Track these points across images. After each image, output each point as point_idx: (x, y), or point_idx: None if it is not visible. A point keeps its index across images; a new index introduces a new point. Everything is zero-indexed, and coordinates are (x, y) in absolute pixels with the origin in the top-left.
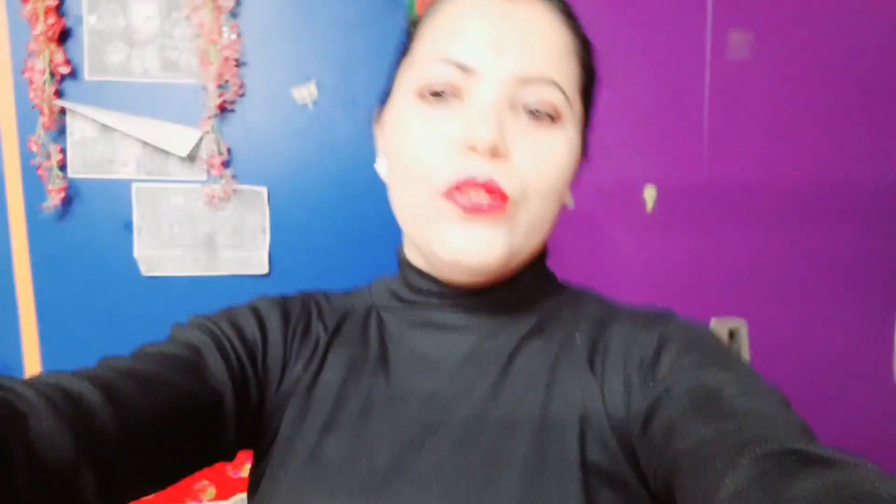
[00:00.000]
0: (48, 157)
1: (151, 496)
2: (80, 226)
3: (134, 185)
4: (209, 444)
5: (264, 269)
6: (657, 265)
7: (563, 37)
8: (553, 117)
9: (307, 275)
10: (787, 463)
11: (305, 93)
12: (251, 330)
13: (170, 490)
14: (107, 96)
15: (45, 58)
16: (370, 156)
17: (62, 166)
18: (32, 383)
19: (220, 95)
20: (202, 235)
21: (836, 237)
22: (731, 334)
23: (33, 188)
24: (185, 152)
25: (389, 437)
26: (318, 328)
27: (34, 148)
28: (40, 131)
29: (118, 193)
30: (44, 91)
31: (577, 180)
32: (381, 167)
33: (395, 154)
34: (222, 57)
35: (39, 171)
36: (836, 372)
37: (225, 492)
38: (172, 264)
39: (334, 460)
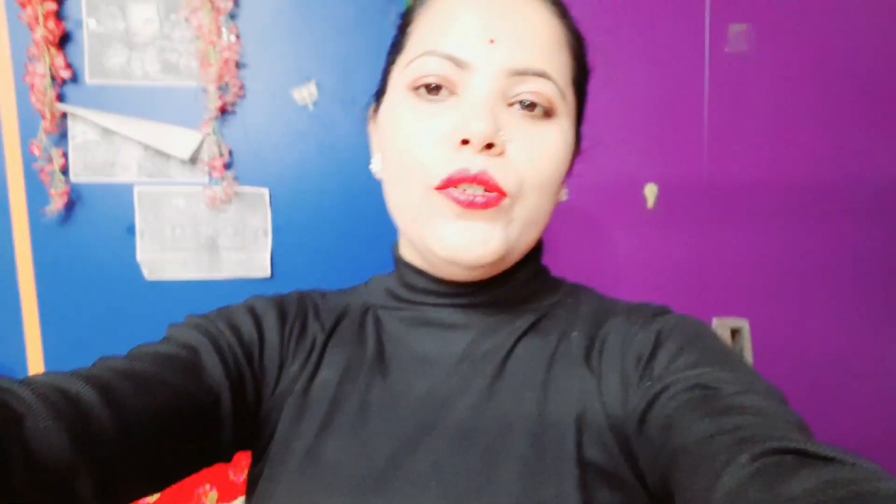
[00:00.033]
0: (50, 160)
1: (153, 500)
2: (83, 229)
3: (136, 188)
4: (207, 444)
5: (266, 272)
6: (658, 264)
7: (554, 29)
8: (547, 111)
9: (309, 276)
10: (785, 461)
11: (305, 93)
12: (248, 329)
13: (172, 493)
14: (108, 100)
15: (45, 62)
16: (371, 156)
17: (64, 170)
18: (29, 384)
19: (220, 97)
20: (204, 238)
21: (838, 235)
22: (734, 333)
23: (36, 192)
24: (186, 155)
25: (387, 436)
26: (314, 327)
27: (36, 152)
28: (42, 135)
29: (120, 197)
30: (45, 95)
31: (570, 174)
32: (376, 165)
33: (388, 150)
34: (222, 59)
35: (42, 175)
36: (838, 371)
37: (227, 495)
38: (175, 268)
39: (332, 460)
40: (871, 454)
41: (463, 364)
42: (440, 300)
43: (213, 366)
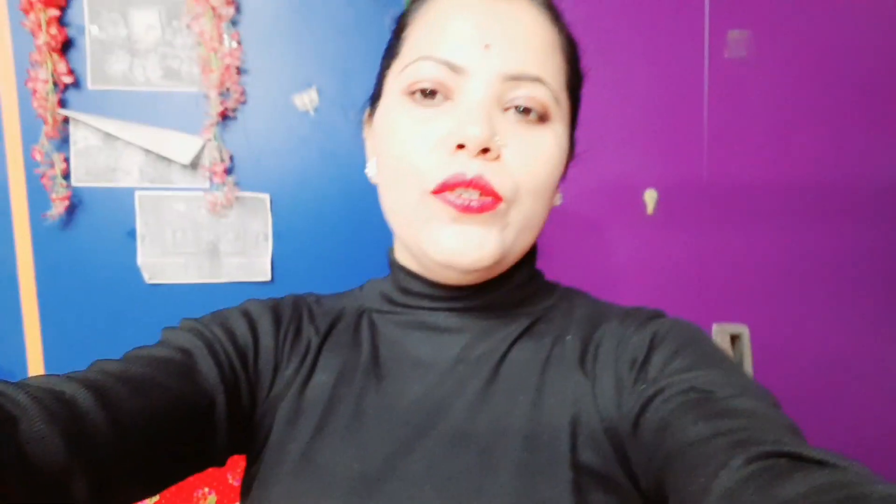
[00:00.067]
0: (52, 165)
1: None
2: (84, 234)
3: (137, 193)
4: (201, 447)
5: (267, 276)
6: (658, 267)
7: (549, 34)
8: (542, 115)
9: (309, 281)
10: (778, 464)
11: (306, 99)
12: (242, 333)
13: (171, 497)
14: (109, 105)
15: (48, 68)
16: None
17: (66, 175)
18: (24, 387)
19: (221, 103)
20: (205, 243)
21: (838, 237)
22: (734, 339)
23: (37, 197)
24: (187, 160)
25: (382, 439)
26: (309, 331)
27: (38, 157)
28: (44, 140)
29: (121, 201)
30: (47, 101)
31: (564, 178)
32: (371, 169)
33: (384, 154)
34: (223, 65)
35: (43, 180)
36: (839, 373)
37: (226, 499)
38: (175, 271)
39: (326, 462)
40: (873, 457)
41: (458, 367)
42: (435, 304)
43: (207, 369)
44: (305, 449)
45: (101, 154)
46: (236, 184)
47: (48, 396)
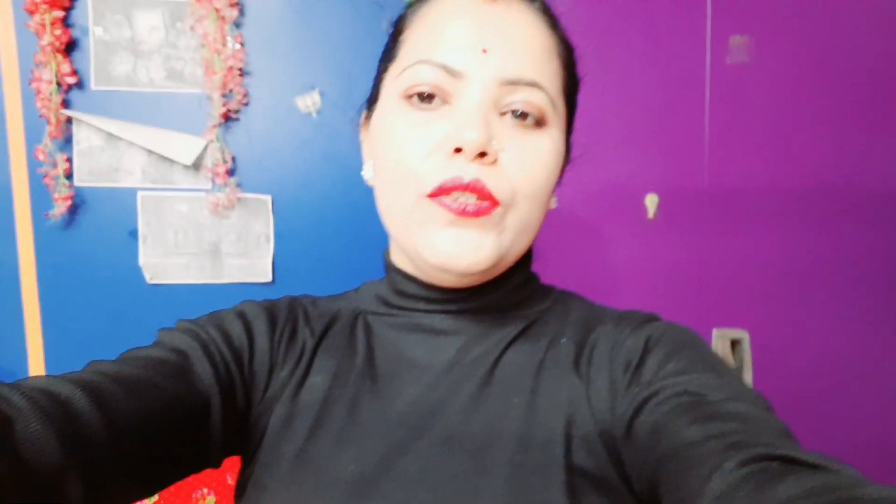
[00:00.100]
0: (55, 165)
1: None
2: (86, 233)
3: (139, 194)
4: (196, 448)
5: (268, 277)
6: (658, 271)
7: (546, 40)
8: (538, 120)
9: (311, 282)
10: (771, 467)
11: (309, 102)
12: (238, 334)
13: (170, 498)
14: (112, 106)
15: (51, 68)
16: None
17: (68, 175)
18: (19, 387)
19: (224, 104)
20: (207, 243)
21: (839, 242)
22: (734, 345)
23: (40, 196)
24: (189, 160)
25: (376, 441)
26: (304, 333)
27: (41, 157)
28: (47, 140)
29: (124, 201)
30: (51, 101)
31: (560, 182)
32: (368, 172)
33: (381, 157)
34: (226, 66)
35: (46, 180)
36: (841, 378)
37: (225, 500)
38: (177, 272)
39: (321, 464)
40: (874, 460)
41: (453, 370)
42: (430, 306)
43: (203, 370)
44: (300, 451)
45: (104, 154)
46: (238, 185)
47: (43, 397)
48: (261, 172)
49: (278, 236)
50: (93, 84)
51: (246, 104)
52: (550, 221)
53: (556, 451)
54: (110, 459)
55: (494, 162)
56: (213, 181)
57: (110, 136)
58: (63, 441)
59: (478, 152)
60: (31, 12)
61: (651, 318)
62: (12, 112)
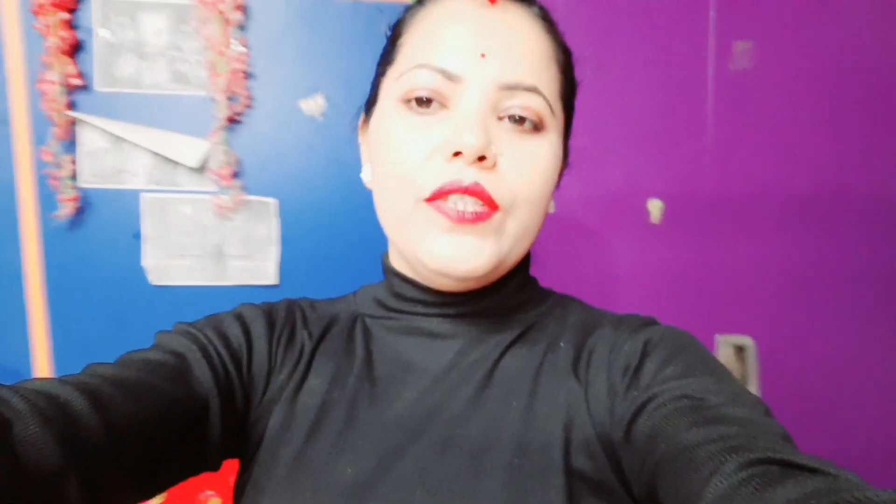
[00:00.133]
0: (60, 167)
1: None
2: (91, 235)
3: (143, 195)
4: (194, 451)
5: (272, 280)
6: (661, 276)
7: (544, 44)
8: (536, 125)
9: (316, 285)
10: (770, 471)
11: (313, 105)
12: (236, 337)
13: (175, 500)
14: (117, 108)
15: (57, 70)
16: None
17: (73, 176)
18: (18, 390)
19: (228, 107)
20: (210, 245)
21: (844, 247)
22: (739, 351)
23: (45, 197)
24: (194, 163)
25: (374, 444)
26: (303, 335)
27: (47, 158)
28: (53, 142)
29: (128, 203)
30: (56, 102)
31: (558, 187)
32: (366, 175)
33: (379, 161)
34: (231, 69)
35: (51, 181)
36: (846, 384)
37: (230, 501)
38: (180, 274)
39: (318, 466)
40: (881, 466)
41: (451, 373)
42: (429, 309)
43: (201, 373)
44: (298, 454)
45: (109, 156)
46: (243, 188)
47: (42, 400)
48: (265, 175)
49: (283, 239)
50: (98, 86)
51: (250, 107)
52: (554, 226)
53: (555, 455)
54: (108, 462)
55: (493, 166)
56: (217, 183)
57: (115, 137)
58: (62, 443)
59: (477, 156)
60: (38, 14)
61: (649, 322)
62: (19, 113)
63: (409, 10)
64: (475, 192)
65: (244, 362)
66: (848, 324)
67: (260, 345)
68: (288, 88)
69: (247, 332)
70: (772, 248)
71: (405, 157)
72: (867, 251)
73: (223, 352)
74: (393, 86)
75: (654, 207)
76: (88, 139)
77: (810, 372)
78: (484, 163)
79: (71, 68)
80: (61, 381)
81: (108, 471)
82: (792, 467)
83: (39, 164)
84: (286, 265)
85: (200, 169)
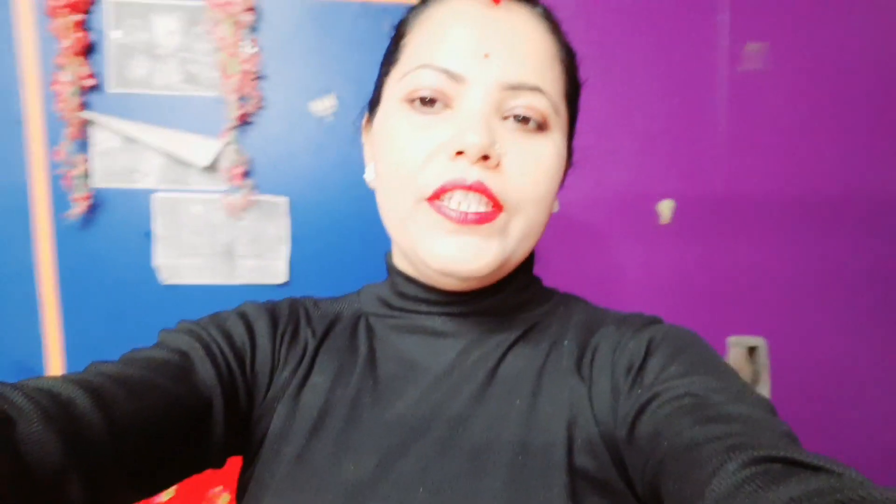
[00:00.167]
0: (73, 166)
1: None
2: (103, 234)
3: (155, 195)
4: (198, 449)
5: (282, 279)
6: (670, 278)
7: (547, 44)
8: (540, 125)
9: (326, 284)
10: (773, 469)
11: (324, 106)
12: (239, 335)
13: (184, 495)
14: (129, 108)
15: (71, 71)
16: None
17: (86, 176)
18: (21, 387)
19: (240, 108)
20: (221, 245)
21: (856, 249)
22: (751, 352)
23: (58, 197)
24: (205, 162)
25: (376, 442)
26: (306, 333)
27: (59, 158)
28: (66, 142)
29: (140, 203)
30: (70, 103)
31: (563, 186)
32: (370, 174)
33: (382, 161)
34: (242, 70)
35: (64, 181)
36: (858, 385)
37: None
38: (192, 273)
39: (321, 464)
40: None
41: (453, 372)
42: (432, 308)
43: (204, 371)
44: (300, 451)
45: (122, 156)
46: (254, 187)
47: (45, 398)
48: (276, 175)
49: (293, 238)
50: (111, 87)
51: (261, 108)
52: (563, 227)
53: (558, 454)
54: (111, 460)
55: (497, 166)
56: (228, 183)
57: (127, 138)
58: (64, 442)
59: (480, 155)
60: (52, 16)
61: (653, 321)
62: (33, 114)
63: (412, 11)
64: (479, 189)
65: (247, 360)
66: (861, 325)
67: (263, 343)
68: (298, 89)
69: (250, 330)
70: (783, 249)
71: (408, 157)
72: (880, 252)
73: (227, 350)
74: (396, 86)
75: (666, 208)
76: (101, 139)
77: (822, 372)
78: (487, 162)
79: (84, 69)
80: (64, 379)
81: (110, 469)
82: (795, 465)
83: (52, 165)
84: (296, 264)
85: (211, 169)
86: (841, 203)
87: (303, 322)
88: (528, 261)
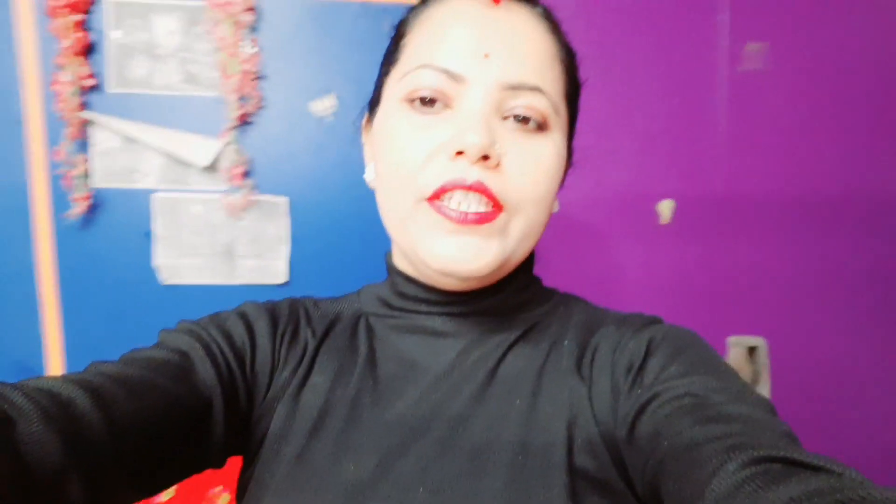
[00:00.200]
0: (73, 166)
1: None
2: (103, 234)
3: (155, 195)
4: (198, 449)
5: (282, 279)
6: (670, 279)
7: (547, 44)
8: (540, 125)
9: (326, 284)
10: (773, 469)
11: (324, 106)
12: (239, 335)
13: (184, 495)
14: (129, 108)
15: (71, 71)
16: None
17: (86, 176)
18: (21, 388)
19: (240, 108)
20: (221, 245)
21: (857, 249)
22: (751, 352)
23: (58, 197)
24: (205, 162)
25: (376, 442)
26: (306, 333)
27: (59, 158)
28: (66, 142)
29: (140, 203)
30: (70, 103)
31: (563, 186)
32: (369, 175)
33: (382, 161)
34: (242, 70)
35: (64, 181)
36: (858, 386)
37: None
38: (192, 273)
39: (321, 464)
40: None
41: (453, 372)
42: (432, 308)
43: (204, 371)
44: (300, 451)
45: (122, 156)
46: (254, 187)
47: (45, 398)
48: (276, 175)
49: (293, 238)
50: (111, 87)
51: (261, 108)
52: (563, 227)
53: (558, 454)
54: (111, 460)
55: (497, 166)
56: (228, 183)
57: (127, 138)
58: (64, 442)
59: (480, 155)
60: (52, 16)
61: (653, 321)
62: (33, 114)
63: (412, 11)
64: (479, 189)
65: (247, 360)
66: (861, 325)
67: (263, 342)
68: (298, 89)
69: (250, 330)
70: (783, 249)
71: (408, 157)
72: (881, 252)
73: (226, 350)
74: (396, 86)
75: (666, 208)
76: (101, 139)
77: (822, 372)
78: (487, 162)
79: (84, 69)
80: (64, 379)
81: (110, 469)
82: (795, 465)
83: (52, 165)
84: (296, 264)
85: (211, 169)
86: (841, 203)
87: (303, 322)
88: (528, 261)
